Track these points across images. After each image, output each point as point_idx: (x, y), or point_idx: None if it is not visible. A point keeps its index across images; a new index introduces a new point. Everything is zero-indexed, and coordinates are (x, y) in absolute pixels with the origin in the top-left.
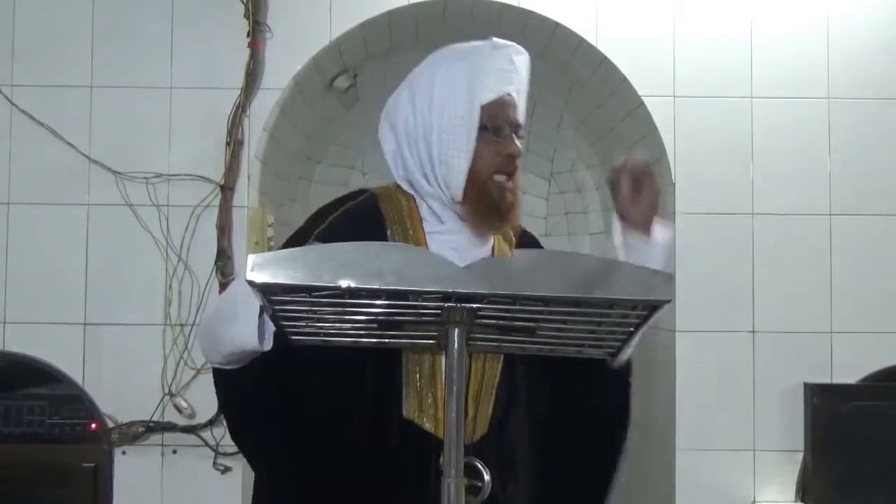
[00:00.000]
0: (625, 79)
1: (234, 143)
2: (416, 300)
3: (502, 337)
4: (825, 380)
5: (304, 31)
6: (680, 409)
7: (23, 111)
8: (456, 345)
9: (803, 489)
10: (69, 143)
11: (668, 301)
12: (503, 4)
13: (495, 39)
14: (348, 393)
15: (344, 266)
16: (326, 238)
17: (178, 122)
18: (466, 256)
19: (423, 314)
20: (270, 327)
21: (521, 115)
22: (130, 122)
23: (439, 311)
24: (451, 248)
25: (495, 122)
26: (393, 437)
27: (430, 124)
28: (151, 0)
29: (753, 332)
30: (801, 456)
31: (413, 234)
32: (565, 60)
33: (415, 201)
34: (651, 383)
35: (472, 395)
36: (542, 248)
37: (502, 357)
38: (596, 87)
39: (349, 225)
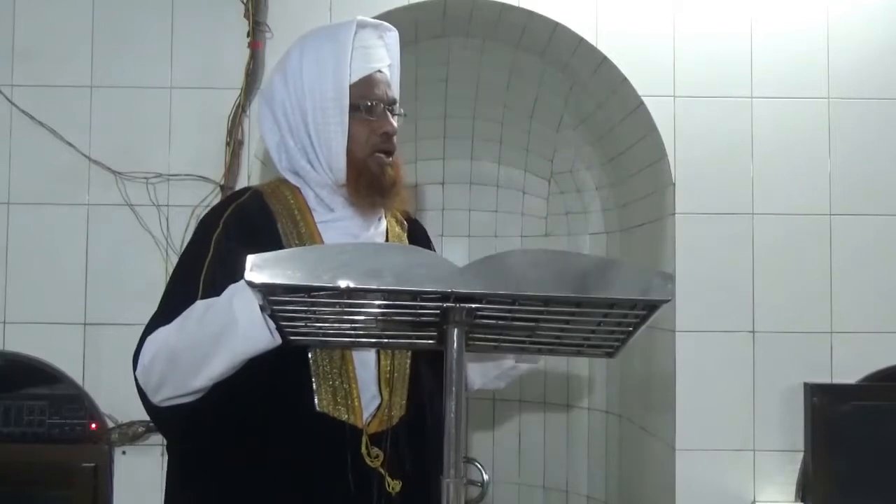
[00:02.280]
0: (625, 79)
1: (235, 143)
2: (416, 300)
3: (502, 337)
4: (825, 380)
5: (304, 31)
6: (680, 409)
7: (23, 111)
8: (455, 345)
9: (803, 489)
10: (69, 143)
11: (668, 301)
12: (503, 4)
13: (360, 18)
14: (260, 387)
15: (343, 266)
16: (227, 240)
17: (178, 122)
18: (361, 241)
19: (423, 314)
20: (270, 321)
21: (395, 90)
22: (130, 122)
23: (438, 312)
24: (345, 234)
25: (367, 100)
26: (307, 431)
27: (305, 109)
28: (151, 0)
29: (753, 332)
30: (801, 456)
31: (305, 226)
32: (565, 60)
33: (300, 192)
34: (651, 383)
35: (385, 380)
36: (427, 235)
37: None
38: (596, 87)
39: (242, 223)
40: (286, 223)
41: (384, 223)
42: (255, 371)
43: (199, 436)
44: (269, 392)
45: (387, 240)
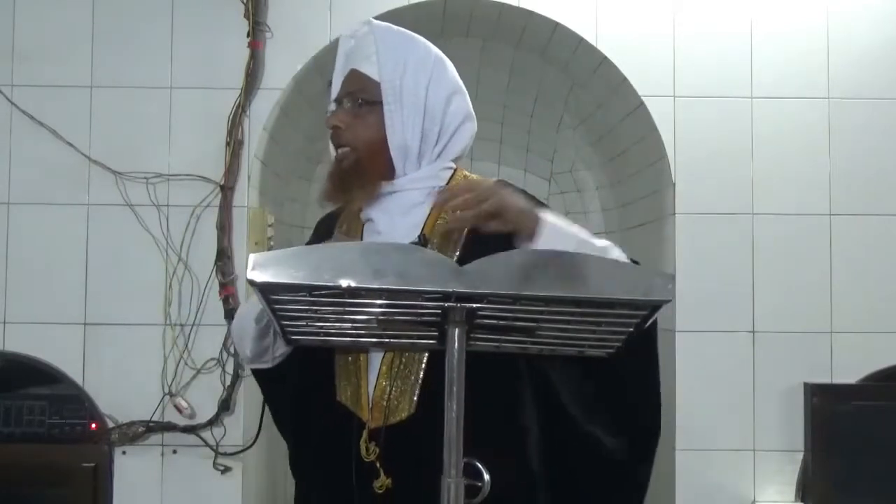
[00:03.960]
0: (625, 79)
1: (234, 143)
2: (417, 300)
3: (502, 337)
4: (825, 380)
5: (304, 31)
6: (680, 409)
7: (23, 111)
8: (456, 345)
9: (803, 489)
10: (69, 143)
11: (668, 301)
12: (503, 4)
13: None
14: (298, 372)
15: (344, 266)
16: (310, 243)
17: (178, 122)
18: (382, 237)
19: (424, 314)
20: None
21: (359, 81)
22: (130, 122)
23: (439, 311)
24: (371, 232)
25: (337, 96)
26: (326, 418)
27: None
28: (151, 0)
29: (753, 332)
30: (801, 456)
31: (351, 230)
32: (565, 60)
33: None
34: None
35: (384, 374)
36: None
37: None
38: (596, 87)
39: (319, 229)
40: (340, 227)
41: (421, 214)
42: (298, 356)
43: (273, 400)
44: (304, 378)
45: (423, 233)
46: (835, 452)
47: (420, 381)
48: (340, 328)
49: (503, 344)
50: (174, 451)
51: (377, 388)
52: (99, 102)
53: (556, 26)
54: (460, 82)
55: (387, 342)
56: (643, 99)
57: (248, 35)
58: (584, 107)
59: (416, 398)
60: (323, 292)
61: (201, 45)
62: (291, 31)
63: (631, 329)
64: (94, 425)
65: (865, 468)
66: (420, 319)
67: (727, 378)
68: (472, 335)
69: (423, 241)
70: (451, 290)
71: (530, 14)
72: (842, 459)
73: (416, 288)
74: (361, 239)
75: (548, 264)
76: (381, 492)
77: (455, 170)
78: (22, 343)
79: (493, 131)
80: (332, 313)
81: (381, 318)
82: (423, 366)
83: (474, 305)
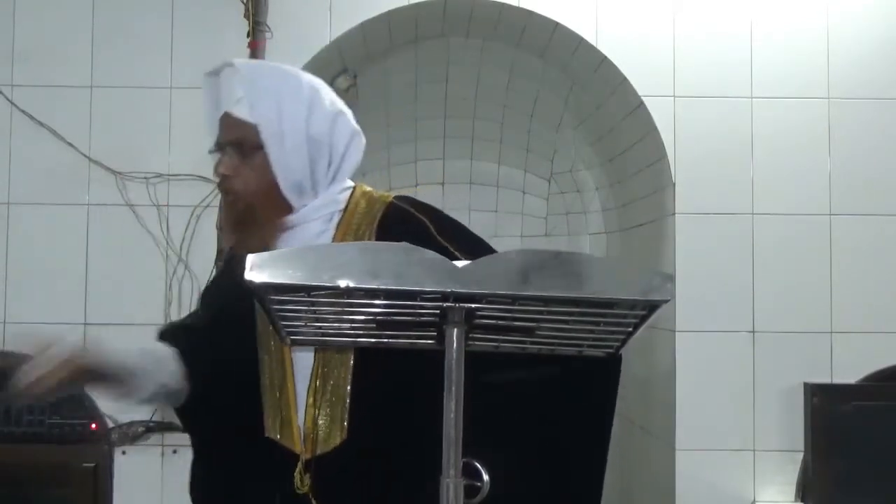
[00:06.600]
0: (625, 79)
1: None
2: (415, 300)
3: (501, 337)
4: (825, 380)
5: (304, 31)
6: (680, 409)
7: (23, 111)
8: (455, 345)
9: (803, 489)
10: (69, 143)
11: (668, 301)
12: (503, 4)
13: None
14: (215, 408)
15: (343, 266)
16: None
17: (178, 122)
18: None
19: (422, 314)
20: None
21: (236, 127)
22: (130, 122)
23: (438, 312)
24: None
25: (218, 142)
26: (252, 452)
27: None
28: (151, 0)
29: (753, 332)
30: (801, 456)
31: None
32: (565, 60)
33: None
34: (651, 383)
35: (311, 404)
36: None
37: (352, 355)
38: (596, 87)
39: (236, 261)
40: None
41: (325, 242)
42: (212, 389)
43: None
44: (222, 412)
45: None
46: (835, 452)
47: (348, 406)
48: (339, 329)
49: (502, 344)
50: (174, 451)
51: (307, 417)
52: (99, 102)
53: (556, 26)
54: (340, 103)
55: (385, 343)
56: (643, 99)
57: (248, 35)
58: (584, 107)
59: (346, 424)
60: (321, 293)
61: (201, 45)
62: (291, 31)
63: (630, 329)
64: (94, 425)
65: (865, 468)
66: (419, 320)
67: (727, 378)
68: (470, 335)
69: None
70: (449, 290)
71: (530, 14)
72: (842, 459)
73: (414, 288)
74: None
75: (546, 264)
76: None
77: (354, 188)
78: (22, 343)
79: (493, 131)
80: (331, 314)
81: (380, 318)
82: (349, 388)
83: (473, 306)
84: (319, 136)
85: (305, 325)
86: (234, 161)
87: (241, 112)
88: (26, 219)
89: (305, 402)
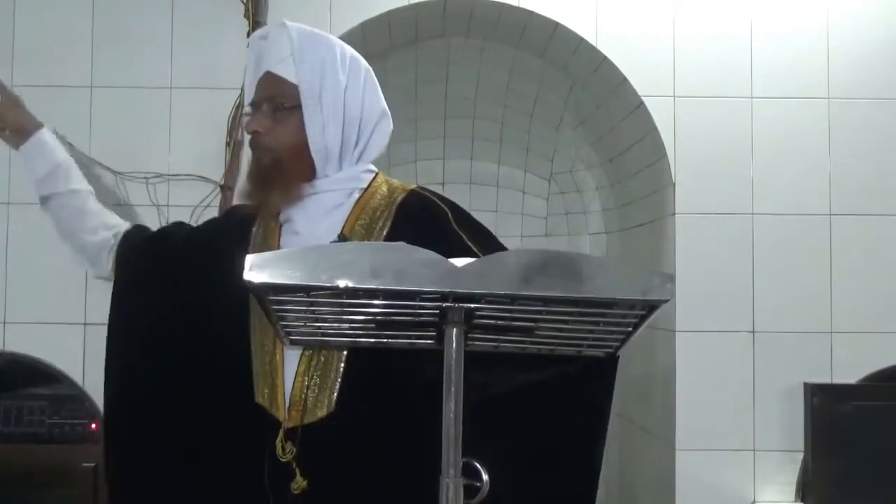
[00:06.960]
0: (625, 79)
1: (234, 143)
2: (415, 300)
3: (501, 337)
4: (825, 380)
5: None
6: (680, 409)
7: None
8: (454, 345)
9: (803, 489)
10: (69, 143)
11: (667, 301)
12: (503, 4)
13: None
14: (203, 376)
15: (342, 266)
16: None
17: (178, 122)
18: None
19: (422, 314)
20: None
21: (276, 84)
22: (130, 122)
23: (437, 312)
24: (290, 233)
25: (254, 100)
26: (242, 420)
27: None
28: (151, 0)
29: (753, 332)
30: (801, 456)
31: (270, 225)
32: (565, 60)
33: None
34: (651, 383)
35: (301, 372)
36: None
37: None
38: (596, 87)
39: (230, 215)
40: (258, 229)
41: (341, 216)
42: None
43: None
44: (211, 380)
45: (342, 234)
46: (835, 452)
47: (339, 379)
48: (338, 329)
49: (502, 344)
50: None
51: (295, 385)
52: (99, 102)
53: (556, 26)
54: (374, 79)
55: (385, 342)
56: (643, 99)
57: (248, 35)
58: (584, 107)
59: (335, 396)
60: (321, 293)
61: (201, 45)
62: None
63: (630, 329)
64: (94, 425)
65: (866, 468)
66: (418, 320)
67: (727, 378)
68: (470, 335)
69: (342, 241)
70: (448, 290)
71: (530, 14)
72: (842, 459)
73: (413, 288)
74: (278, 239)
75: (546, 264)
76: (297, 493)
77: (376, 174)
78: (22, 343)
79: (493, 131)
80: (330, 314)
81: (380, 318)
82: (342, 363)
83: (472, 305)
84: (353, 107)
85: (305, 325)
86: (267, 119)
87: (284, 71)
88: (26, 219)
89: (296, 370)
